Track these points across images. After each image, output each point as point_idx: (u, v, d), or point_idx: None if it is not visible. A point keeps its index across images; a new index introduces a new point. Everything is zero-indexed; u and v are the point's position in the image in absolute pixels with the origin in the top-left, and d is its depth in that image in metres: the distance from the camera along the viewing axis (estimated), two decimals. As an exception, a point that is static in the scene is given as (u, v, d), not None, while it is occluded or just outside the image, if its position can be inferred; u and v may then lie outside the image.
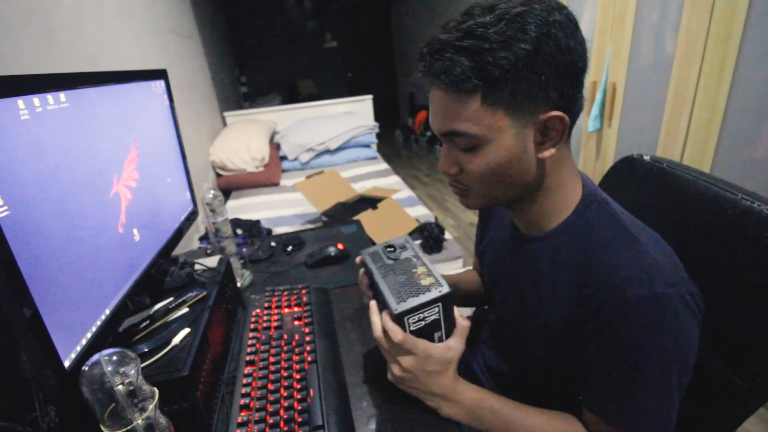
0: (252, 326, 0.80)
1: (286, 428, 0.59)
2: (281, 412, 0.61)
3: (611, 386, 0.49)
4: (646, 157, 0.75)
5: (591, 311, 0.49)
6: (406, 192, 2.24)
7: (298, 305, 0.85)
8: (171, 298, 0.72)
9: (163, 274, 0.78)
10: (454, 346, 0.58)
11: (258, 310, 0.84)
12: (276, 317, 0.82)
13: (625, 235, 0.50)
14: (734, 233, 0.54)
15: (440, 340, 0.59)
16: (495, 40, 0.43)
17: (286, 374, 0.68)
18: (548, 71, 0.44)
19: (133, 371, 0.44)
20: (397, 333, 0.55)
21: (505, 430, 0.57)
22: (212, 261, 0.88)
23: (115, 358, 0.43)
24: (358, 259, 0.68)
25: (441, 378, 0.57)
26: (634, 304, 0.45)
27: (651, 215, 0.62)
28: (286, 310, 0.84)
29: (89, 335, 0.54)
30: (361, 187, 2.29)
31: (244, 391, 0.66)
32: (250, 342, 0.76)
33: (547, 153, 0.50)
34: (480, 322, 0.86)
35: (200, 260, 0.88)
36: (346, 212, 1.83)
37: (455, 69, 0.44)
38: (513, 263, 0.65)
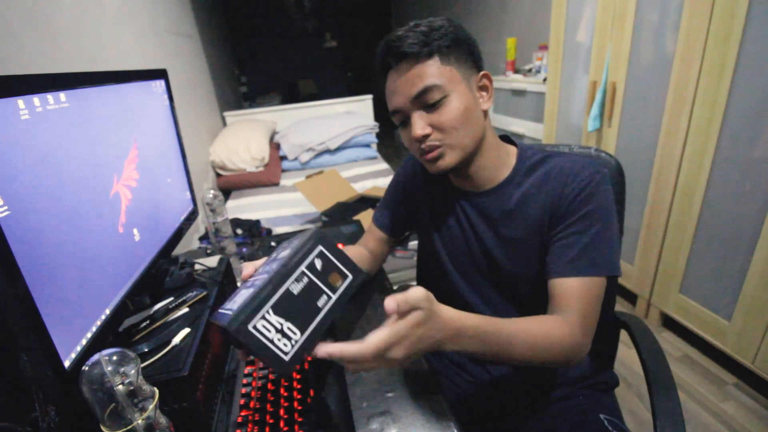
0: (252, 326, 0.80)
1: (286, 428, 0.59)
2: (281, 412, 0.61)
3: (581, 245, 0.64)
4: None
5: (563, 205, 0.67)
6: (406, 192, 2.24)
7: (298, 305, 0.85)
8: (171, 298, 0.72)
9: (163, 274, 0.78)
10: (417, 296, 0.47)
11: (258, 310, 0.84)
12: (276, 317, 0.82)
13: (561, 155, 0.71)
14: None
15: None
16: (437, 26, 0.65)
17: (286, 374, 0.68)
18: (469, 47, 0.67)
19: (133, 371, 0.44)
20: (366, 351, 0.45)
21: (506, 344, 0.55)
22: (212, 261, 0.88)
23: (115, 358, 0.43)
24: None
25: (437, 331, 0.49)
26: (589, 180, 0.66)
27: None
28: (286, 310, 0.84)
29: (89, 335, 0.54)
30: (361, 187, 2.29)
31: (244, 391, 0.66)
32: (250, 342, 0.76)
33: (487, 105, 0.69)
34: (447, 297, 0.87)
35: (200, 260, 0.88)
36: (346, 212, 1.83)
37: (419, 40, 0.63)
38: (474, 220, 0.76)
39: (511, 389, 0.79)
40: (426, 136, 0.66)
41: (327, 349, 0.45)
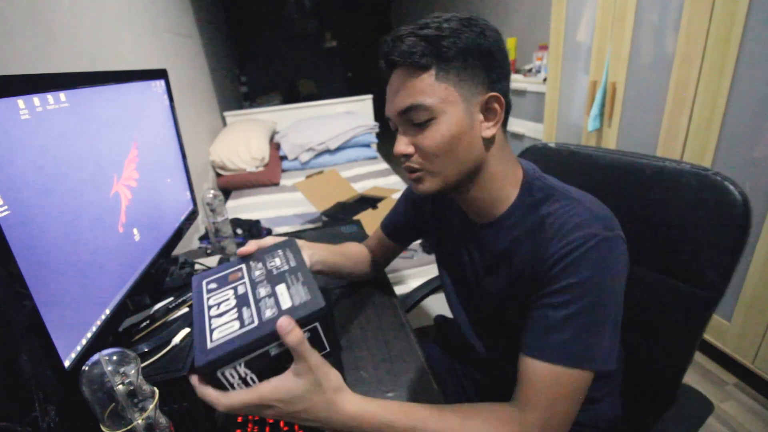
0: (252, 326, 0.80)
1: (286, 428, 0.59)
2: (281, 412, 0.61)
3: (552, 322, 0.52)
4: (552, 144, 0.86)
5: (543, 269, 0.55)
6: (406, 192, 2.23)
7: (298, 305, 0.85)
8: (171, 298, 0.72)
9: (163, 273, 0.79)
10: (303, 368, 0.45)
11: (258, 310, 0.84)
12: (276, 317, 0.82)
13: (567, 199, 0.57)
14: (653, 186, 0.70)
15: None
16: (447, 29, 0.54)
17: (286, 374, 0.68)
18: (484, 59, 0.55)
19: (133, 371, 0.44)
20: (218, 399, 0.44)
21: None
22: (212, 261, 0.88)
23: (115, 357, 0.43)
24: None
25: (317, 409, 0.47)
26: (579, 244, 0.52)
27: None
28: (286, 310, 0.84)
29: (89, 335, 0.54)
30: (361, 187, 2.29)
31: (244, 391, 0.66)
32: (250, 342, 0.76)
33: (489, 132, 0.58)
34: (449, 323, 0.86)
35: (200, 260, 0.88)
36: (346, 212, 1.83)
37: (416, 48, 0.54)
38: (472, 250, 0.70)
39: None
40: (407, 156, 0.60)
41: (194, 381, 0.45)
